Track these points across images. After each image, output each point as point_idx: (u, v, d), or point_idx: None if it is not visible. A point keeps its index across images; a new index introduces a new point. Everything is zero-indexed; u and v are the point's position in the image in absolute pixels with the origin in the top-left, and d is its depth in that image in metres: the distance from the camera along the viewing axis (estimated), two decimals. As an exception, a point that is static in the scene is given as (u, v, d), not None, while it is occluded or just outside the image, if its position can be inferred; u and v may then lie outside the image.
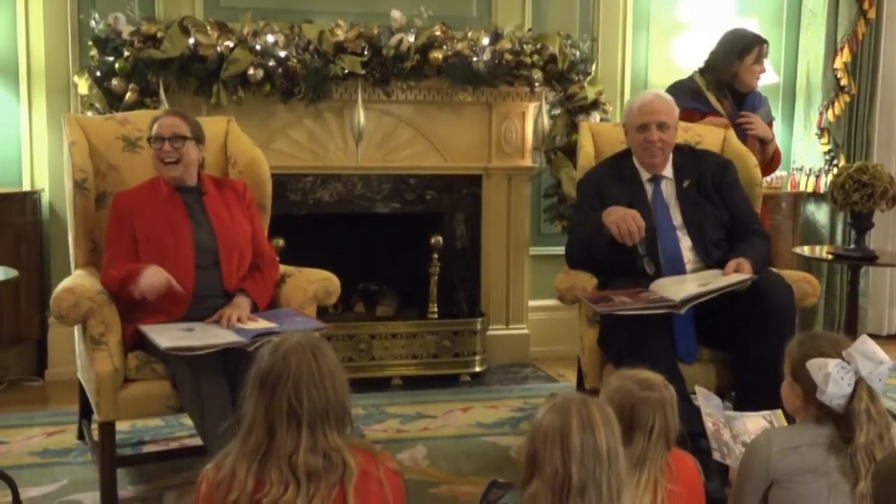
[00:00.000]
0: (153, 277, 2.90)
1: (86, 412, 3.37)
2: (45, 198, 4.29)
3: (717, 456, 2.43)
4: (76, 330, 3.13)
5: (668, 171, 3.43)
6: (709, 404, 2.52)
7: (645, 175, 3.41)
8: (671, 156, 3.44)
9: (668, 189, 3.41)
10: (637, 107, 3.40)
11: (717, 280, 3.10)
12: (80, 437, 3.47)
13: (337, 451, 1.80)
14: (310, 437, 1.79)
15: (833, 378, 2.00)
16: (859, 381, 2.01)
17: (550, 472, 1.73)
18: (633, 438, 2.03)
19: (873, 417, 2.01)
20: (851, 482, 1.98)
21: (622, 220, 3.17)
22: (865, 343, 2.05)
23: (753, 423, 2.52)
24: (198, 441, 2.90)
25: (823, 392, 2.01)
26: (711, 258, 3.28)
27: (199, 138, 3.18)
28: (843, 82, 5.04)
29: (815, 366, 2.04)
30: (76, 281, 3.05)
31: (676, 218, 3.35)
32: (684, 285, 3.10)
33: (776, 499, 2.05)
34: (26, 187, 4.27)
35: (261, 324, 2.94)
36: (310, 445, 1.79)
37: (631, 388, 2.07)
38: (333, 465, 1.79)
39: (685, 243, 3.31)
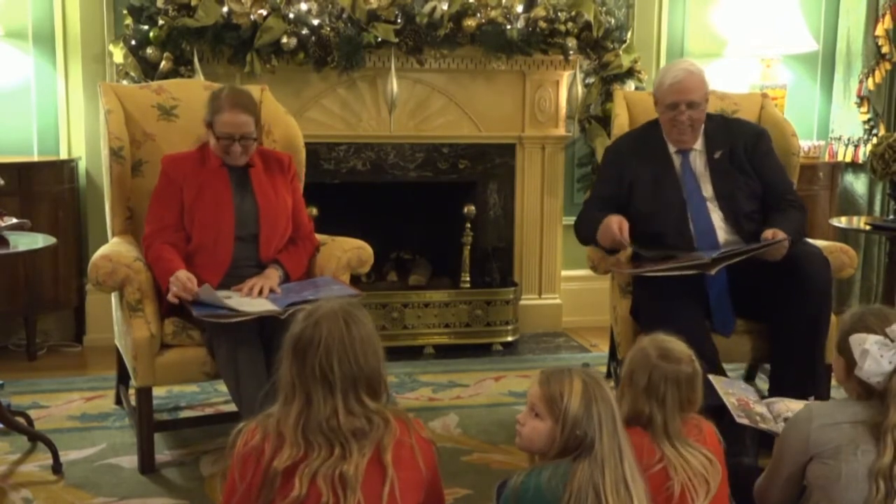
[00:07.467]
0: (179, 287, 2.87)
1: (123, 378, 3.42)
2: (83, 166, 4.33)
3: (744, 421, 2.41)
4: (113, 297, 3.17)
5: (698, 143, 3.34)
6: (730, 387, 2.50)
7: (672, 147, 3.34)
8: (702, 126, 3.38)
9: (698, 161, 3.33)
10: (668, 83, 3.24)
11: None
12: (118, 402, 3.52)
13: (377, 412, 1.82)
14: (343, 403, 1.80)
15: (871, 355, 1.92)
16: None
17: (599, 445, 1.79)
18: (642, 400, 2.05)
19: None
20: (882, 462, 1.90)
21: (606, 231, 3.14)
22: None
23: (796, 404, 2.49)
24: (233, 407, 2.93)
25: (861, 368, 1.94)
26: (744, 230, 3.23)
27: (258, 122, 3.16)
28: (885, 50, 4.93)
29: (856, 341, 1.96)
30: (113, 248, 3.09)
31: (707, 190, 3.29)
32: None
33: (815, 474, 2.01)
34: (63, 155, 4.31)
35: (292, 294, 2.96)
36: (346, 409, 1.80)
37: (650, 353, 2.08)
38: (375, 425, 1.81)
39: (717, 216, 3.25)
